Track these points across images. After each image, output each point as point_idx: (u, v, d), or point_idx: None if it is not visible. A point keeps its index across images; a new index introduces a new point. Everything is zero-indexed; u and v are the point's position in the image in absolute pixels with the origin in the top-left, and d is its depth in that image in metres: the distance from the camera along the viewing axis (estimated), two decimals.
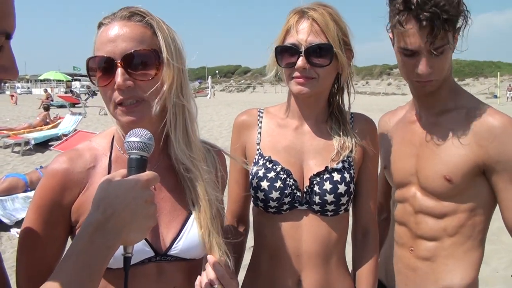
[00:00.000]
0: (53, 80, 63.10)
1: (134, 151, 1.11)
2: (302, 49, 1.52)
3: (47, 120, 17.02)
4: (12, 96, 39.64)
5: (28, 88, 75.10)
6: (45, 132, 14.48)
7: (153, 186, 1.11)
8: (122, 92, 1.24)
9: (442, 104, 1.75)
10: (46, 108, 18.02)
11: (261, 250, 1.72)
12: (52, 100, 31.38)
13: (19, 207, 6.63)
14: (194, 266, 1.42)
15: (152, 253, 1.31)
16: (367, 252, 1.72)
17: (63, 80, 51.74)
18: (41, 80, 73.17)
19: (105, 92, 1.28)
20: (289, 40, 1.56)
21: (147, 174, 1.08)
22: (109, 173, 1.30)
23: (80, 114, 16.84)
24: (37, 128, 15.85)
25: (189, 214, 1.38)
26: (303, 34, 1.53)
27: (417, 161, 1.77)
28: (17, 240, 1.32)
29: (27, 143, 13.13)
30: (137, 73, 1.25)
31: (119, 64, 1.23)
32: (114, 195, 1.01)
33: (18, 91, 60.10)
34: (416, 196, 1.78)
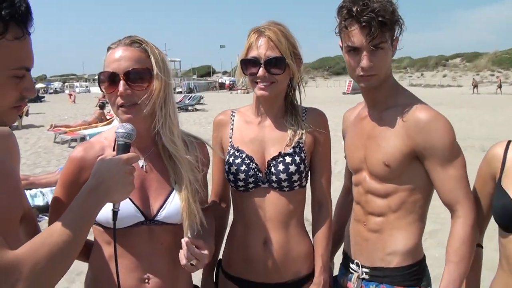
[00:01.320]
0: None
1: (120, 138, 1.53)
2: (262, 61, 1.92)
3: (102, 118, 17.64)
4: (70, 95, 41.27)
5: (87, 87, 78.04)
6: (100, 129, 15.07)
7: (132, 164, 1.49)
8: (122, 98, 1.69)
9: (384, 102, 2.02)
10: (102, 107, 18.68)
11: (237, 220, 2.16)
12: None
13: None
14: (176, 228, 1.78)
15: (142, 218, 1.73)
16: (322, 221, 2.10)
17: None
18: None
19: (110, 97, 1.72)
20: (251, 54, 1.96)
21: (129, 154, 1.49)
22: None
23: None
24: (92, 125, 16.47)
25: (172, 190, 1.78)
26: (262, 49, 1.93)
27: (365, 151, 2.05)
28: None
29: (83, 138, 13.75)
30: (134, 84, 1.69)
31: (121, 78, 1.67)
32: (104, 168, 1.42)
33: (77, 90, 62.50)
34: (366, 180, 2.06)
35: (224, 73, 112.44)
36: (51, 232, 1.28)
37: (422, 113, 1.89)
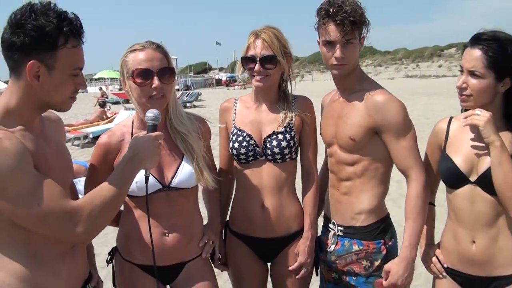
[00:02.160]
0: (107, 79, 65.32)
1: (150, 121, 1.94)
2: (258, 59, 2.38)
3: (104, 116, 17.98)
4: None
5: None
6: (102, 126, 15.41)
7: (160, 140, 1.89)
8: (156, 90, 2.10)
9: (351, 88, 2.41)
10: (102, 105, 19.01)
11: (239, 188, 2.62)
12: (107, 97, 32.60)
13: (81, 189, 7.35)
14: (188, 192, 2.28)
15: (160, 186, 2.19)
16: (309, 186, 2.55)
17: (117, 78, 53.47)
18: (96, 79, 75.85)
19: (142, 89, 2.11)
20: (250, 53, 2.41)
21: (156, 133, 1.90)
22: None
23: (133, 109, 17.66)
24: (94, 123, 16.83)
25: (181, 161, 2.24)
26: (258, 49, 2.38)
27: (336, 128, 2.45)
28: None
29: (85, 136, 14.12)
30: (164, 80, 2.12)
31: (155, 74, 2.09)
32: (138, 143, 1.83)
33: None
34: (337, 152, 2.46)
35: (221, 69, 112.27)
36: (101, 189, 1.71)
37: (380, 96, 2.28)
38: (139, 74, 2.09)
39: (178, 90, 46.10)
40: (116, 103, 30.68)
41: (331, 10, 2.20)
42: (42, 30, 1.57)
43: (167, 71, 2.13)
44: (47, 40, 1.58)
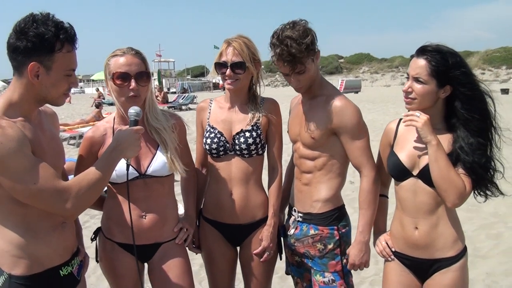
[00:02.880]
0: (104, 80, 65.36)
1: (132, 116, 2.26)
2: (229, 64, 2.66)
3: (99, 116, 18.22)
4: None
5: (81, 87, 78.23)
6: None
7: (140, 134, 2.19)
8: (133, 91, 2.42)
9: (314, 93, 2.73)
10: (98, 106, 19.27)
11: (211, 179, 2.91)
12: (103, 99, 32.84)
13: None
14: (163, 180, 2.58)
15: (137, 174, 2.51)
16: (274, 179, 2.84)
17: None
18: (93, 80, 75.98)
19: (121, 90, 2.43)
20: (222, 59, 2.68)
21: (137, 127, 2.21)
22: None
23: None
24: (90, 123, 17.07)
25: (155, 153, 2.54)
26: (229, 55, 2.66)
27: (300, 127, 2.76)
28: None
29: (81, 136, 14.36)
30: (140, 82, 2.44)
31: (132, 77, 2.41)
32: (121, 135, 2.16)
33: (72, 90, 62.44)
34: (300, 148, 2.78)
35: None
36: (88, 173, 2.04)
37: (338, 101, 2.59)
38: (118, 76, 2.42)
39: (175, 93, 46.49)
40: (112, 104, 30.68)
41: (277, 51, 2.49)
42: (42, 37, 1.90)
43: (143, 75, 2.45)
44: (46, 45, 1.92)
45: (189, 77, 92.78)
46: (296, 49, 2.44)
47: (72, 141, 14.58)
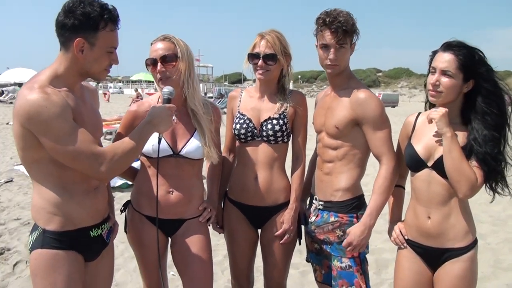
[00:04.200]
0: (144, 81, 66.70)
1: (165, 94, 2.44)
2: (261, 56, 2.83)
3: None
4: (105, 94, 43.05)
5: (120, 88, 79.84)
6: None
7: (175, 113, 2.40)
8: (160, 73, 2.63)
9: (341, 85, 2.83)
10: None
11: (238, 163, 3.08)
12: (141, 99, 33.18)
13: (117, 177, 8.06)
14: (193, 162, 2.75)
15: (171, 152, 2.67)
16: (297, 167, 3.00)
17: (152, 82, 54.24)
18: (132, 81, 77.47)
19: (154, 74, 2.66)
20: (255, 50, 2.86)
21: (170, 105, 2.37)
22: None
23: None
24: None
25: (191, 136, 2.70)
26: (262, 47, 2.84)
27: (325, 118, 2.86)
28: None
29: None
30: (165, 64, 2.61)
31: (159, 61, 2.61)
32: (154, 111, 2.33)
33: (111, 90, 64.09)
34: (324, 138, 2.88)
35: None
36: (123, 142, 2.20)
37: (362, 93, 2.69)
38: (149, 63, 2.67)
39: (211, 97, 47.03)
40: None
41: (327, 19, 2.62)
42: (88, 16, 2.09)
43: (169, 57, 2.61)
44: (91, 24, 2.11)
45: (226, 83, 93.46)
46: (346, 21, 2.60)
47: (108, 136, 14.97)
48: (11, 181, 8.92)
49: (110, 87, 73.29)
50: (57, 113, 2.01)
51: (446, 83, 2.38)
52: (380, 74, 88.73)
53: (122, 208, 2.90)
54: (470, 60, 2.36)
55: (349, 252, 2.75)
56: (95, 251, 2.38)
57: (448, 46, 2.41)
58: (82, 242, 2.27)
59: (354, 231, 2.69)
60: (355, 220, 2.78)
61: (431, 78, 2.44)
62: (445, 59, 2.38)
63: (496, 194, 2.44)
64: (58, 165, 2.12)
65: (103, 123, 16.07)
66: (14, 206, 7.25)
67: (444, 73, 2.38)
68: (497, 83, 2.40)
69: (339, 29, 2.60)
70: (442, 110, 2.38)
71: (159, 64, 2.61)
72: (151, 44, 2.68)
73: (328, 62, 2.72)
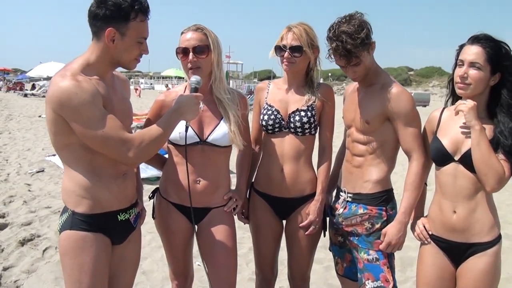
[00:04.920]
0: (174, 77, 67.24)
1: (192, 84, 2.48)
2: (287, 48, 2.83)
3: None
4: (136, 89, 43.71)
5: (151, 84, 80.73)
6: None
7: (201, 102, 2.48)
8: (191, 63, 2.66)
9: (370, 82, 2.80)
10: None
11: (264, 154, 3.09)
12: None
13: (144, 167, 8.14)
14: (220, 149, 2.77)
15: (197, 139, 2.71)
16: (324, 159, 3.00)
17: (183, 78, 54.68)
18: (163, 77, 78.19)
19: (184, 63, 2.70)
20: (282, 42, 2.86)
21: (197, 94, 2.40)
22: None
23: None
24: None
25: (218, 123, 2.73)
26: (289, 40, 2.84)
27: (355, 113, 2.83)
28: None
29: None
30: (198, 55, 2.65)
31: (190, 51, 2.64)
32: (182, 99, 2.35)
33: (142, 86, 64.85)
34: (353, 132, 2.85)
35: None
36: (150, 129, 2.25)
37: (393, 88, 2.66)
38: (180, 51, 2.71)
39: None
40: None
41: (333, 45, 2.62)
42: (119, 6, 2.15)
43: (202, 48, 2.66)
44: (122, 14, 2.16)
45: (255, 80, 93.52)
46: (351, 44, 2.54)
47: (138, 130, 15.22)
48: (43, 171, 9.19)
49: (141, 83, 74.23)
50: (87, 99, 2.07)
51: (475, 75, 2.37)
52: (411, 72, 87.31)
53: (151, 195, 2.95)
54: (497, 53, 2.36)
55: (377, 245, 2.75)
56: (122, 235, 2.44)
57: (475, 39, 2.41)
58: (109, 225, 2.34)
59: (391, 231, 2.67)
60: (384, 213, 2.77)
61: (459, 71, 2.43)
62: (473, 52, 2.38)
63: None
64: (88, 150, 2.19)
65: (133, 117, 16.42)
66: (45, 195, 7.47)
67: (472, 65, 2.38)
68: None
69: (347, 54, 2.59)
70: (470, 103, 2.37)
71: (190, 54, 2.65)
72: (182, 33, 2.73)
73: (350, 77, 2.79)
